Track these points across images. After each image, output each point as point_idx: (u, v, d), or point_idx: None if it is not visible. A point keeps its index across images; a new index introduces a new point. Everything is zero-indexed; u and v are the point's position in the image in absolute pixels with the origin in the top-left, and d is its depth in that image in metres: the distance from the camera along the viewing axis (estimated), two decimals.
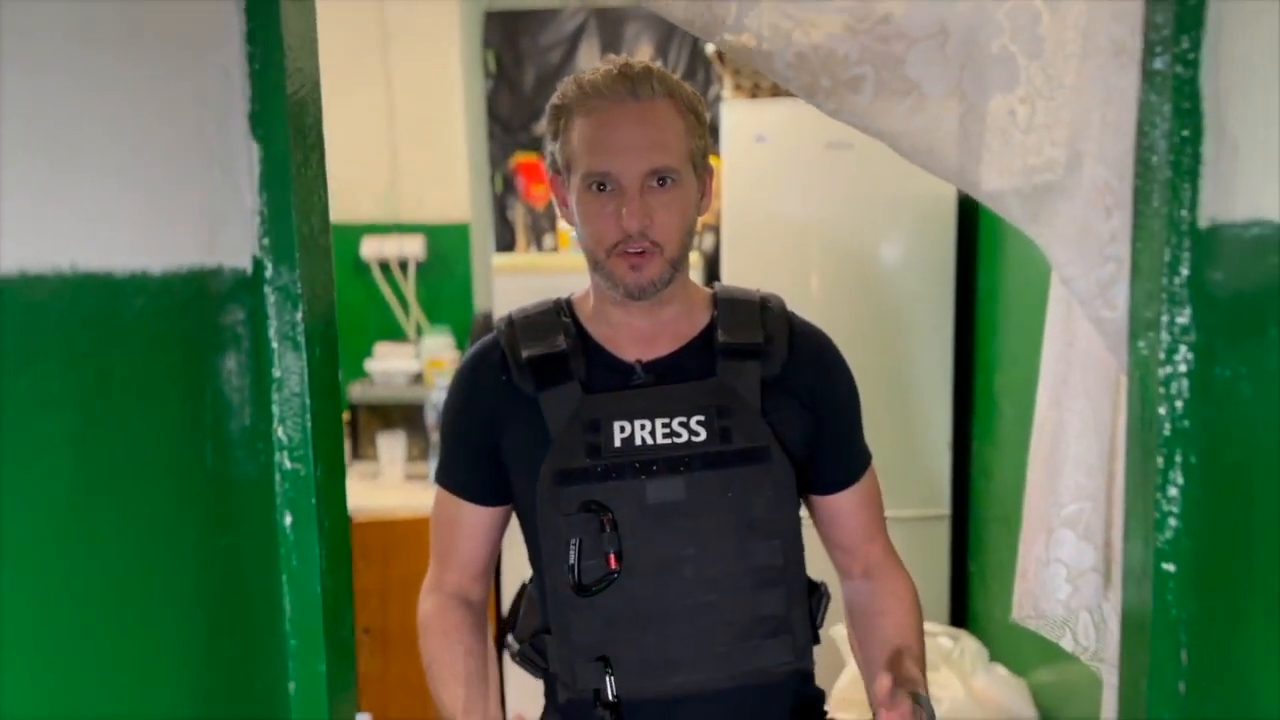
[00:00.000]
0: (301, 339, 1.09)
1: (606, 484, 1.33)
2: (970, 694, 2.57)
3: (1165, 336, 1.01)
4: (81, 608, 0.83)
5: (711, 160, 1.44)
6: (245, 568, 1.07)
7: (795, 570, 1.39)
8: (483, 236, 4.35)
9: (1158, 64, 0.99)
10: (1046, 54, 1.00)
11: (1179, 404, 1.01)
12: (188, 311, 0.97)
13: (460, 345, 4.05)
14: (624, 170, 1.32)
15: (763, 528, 1.36)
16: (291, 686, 1.12)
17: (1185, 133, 0.98)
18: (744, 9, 1.05)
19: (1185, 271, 0.99)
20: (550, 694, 1.48)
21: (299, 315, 1.09)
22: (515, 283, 3.50)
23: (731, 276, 3.33)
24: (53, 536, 0.80)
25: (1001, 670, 2.97)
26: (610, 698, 1.34)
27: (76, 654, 0.83)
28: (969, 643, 2.82)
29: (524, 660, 1.46)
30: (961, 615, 3.51)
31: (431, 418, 3.68)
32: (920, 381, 3.38)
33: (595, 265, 1.39)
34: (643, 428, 1.35)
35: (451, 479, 1.50)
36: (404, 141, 4.00)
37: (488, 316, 4.00)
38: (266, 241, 1.07)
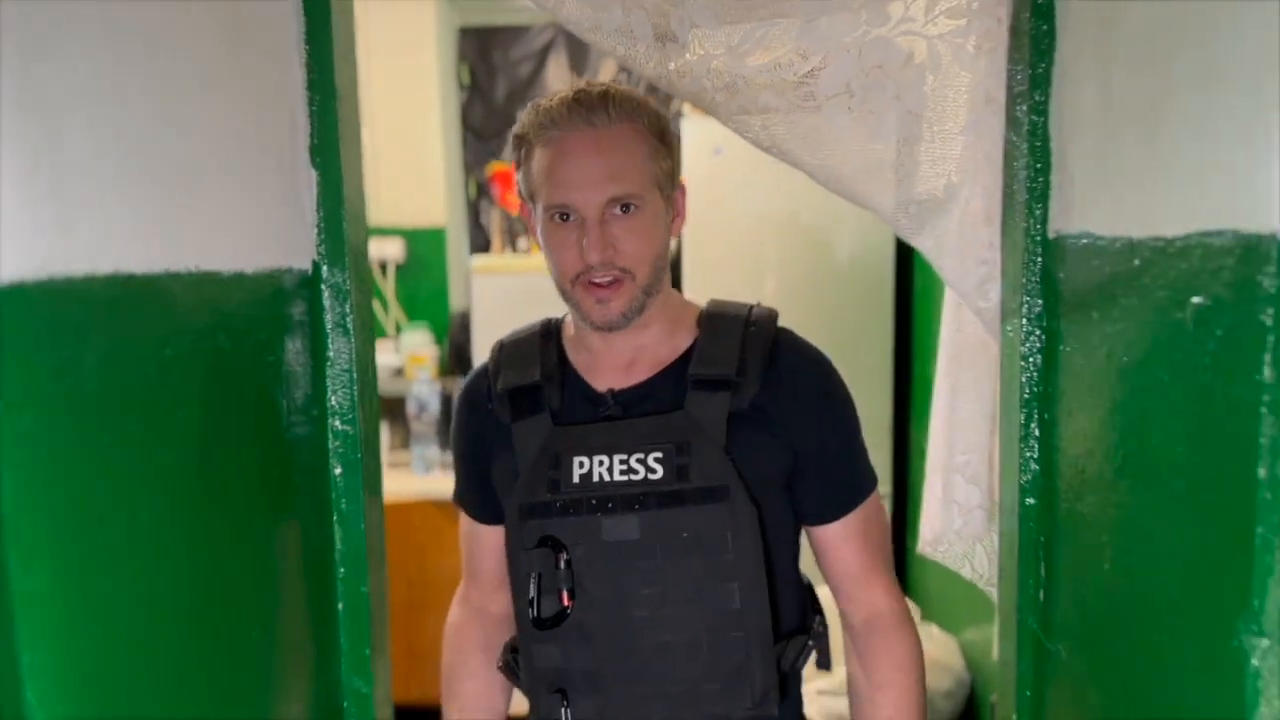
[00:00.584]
0: (350, 326, 1.36)
1: (565, 519, 1.31)
2: None
3: (1025, 322, 1.31)
4: (213, 528, 1.10)
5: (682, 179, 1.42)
6: (303, 507, 1.33)
7: (755, 614, 1.32)
8: (458, 239, 4.60)
9: (1018, 113, 1.29)
10: (930, 107, 1.29)
11: (1035, 373, 1.31)
12: (268, 303, 1.24)
13: (439, 341, 4.30)
14: (583, 201, 1.29)
15: (721, 569, 1.30)
16: (340, 606, 1.39)
17: (1038, 165, 1.28)
18: (684, 68, 1.33)
19: (1038, 272, 1.29)
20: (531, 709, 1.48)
21: (347, 308, 1.36)
22: (492, 282, 3.77)
23: (692, 279, 3.61)
24: (191, 471, 1.06)
25: (935, 629, 3.29)
26: None
27: (211, 563, 1.09)
28: (908, 604, 3.14)
29: (507, 671, 1.50)
30: (901, 581, 3.81)
31: (413, 408, 3.93)
32: (865, 371, 3.68)
33: (564, 296, 1.36)
34: (600, 463, 1.31)
35: (461, 499, 1.54)
36: (383, 150, 4.24)
37: (464, 315, 4.25)
38: (323, 249, 1.34)
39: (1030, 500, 1.33)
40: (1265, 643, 0.92)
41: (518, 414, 1.38)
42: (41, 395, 0.84)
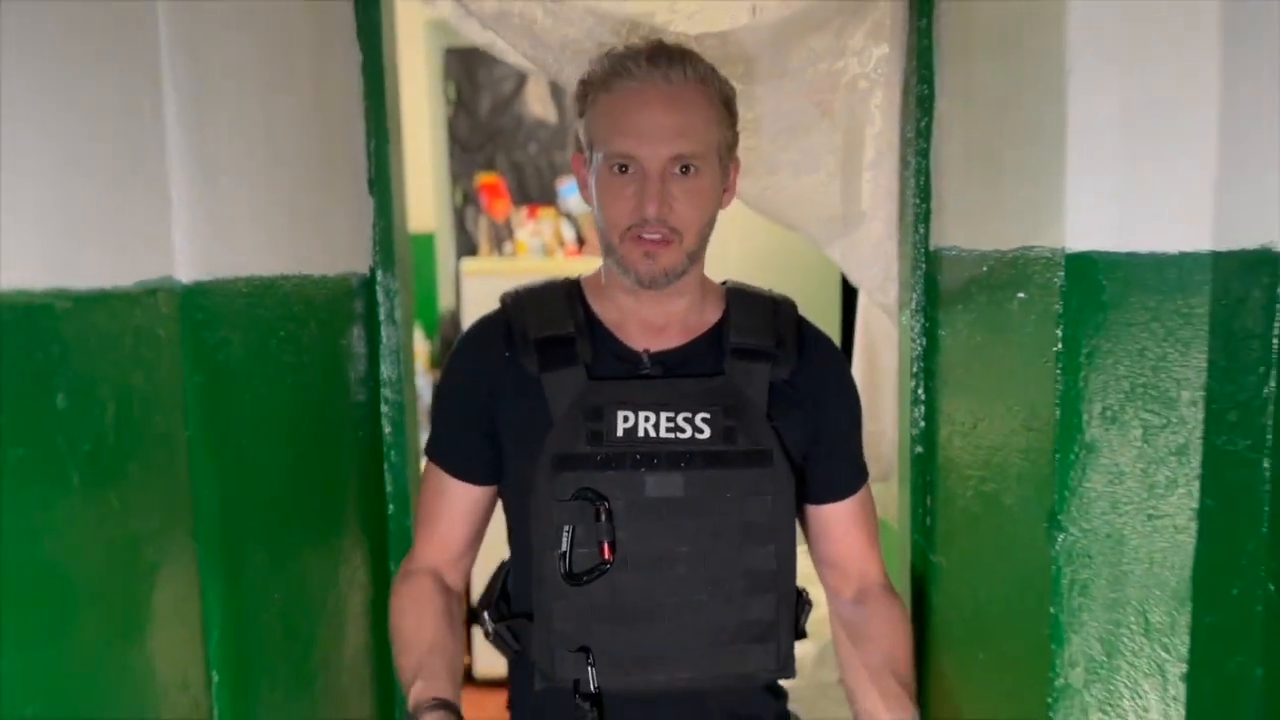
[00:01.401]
0: (396, 318, 1.74)
1: (605, 473, 1.26)
2: None
3: (914, 313, 1.71)
4: (307, 469, 1.47)
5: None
6: (361, 456, 1.70)
7: (787, 577, 1.33)
8: (446, 244, 4.96)
9: (908, 157, 1.69)
10: (845, 152, 1.69)
11: (921, 351, 1.71)
12: (340, 299, 1.61)
13: (429, 337, 4.65)
14: (648, 153, 1.24)
15: (759, 532, 1.30)
16: (389, 535, 1.77)
17: (922, 197, 1.68)
18: None
19: (923, 276, 1.69)
20: (519, 680, 1.40)
21: (395, 303, 1.73)
22: (481, 282, 4.14)
23: None
24: (292, 423, 1.43)
25: None
26: (590, 689, 1.28)
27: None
28: None
29: (498, 640, 1.38)
30: None
31: None
32: None
33: (609, 249, 1.31)
34: (647, 419, 1.27)
35: (441, 453, 1.40)
36: None
37: (454, 314, 4.61)
38: (377, 258, 1.71)
39: (919, 449, 1.73)
40: (1062, 536, 1.33)
41: (548, 364, 1.30)
42: (215, 366, 1.21)
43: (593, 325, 1.36)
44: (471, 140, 5.37)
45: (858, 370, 1.97)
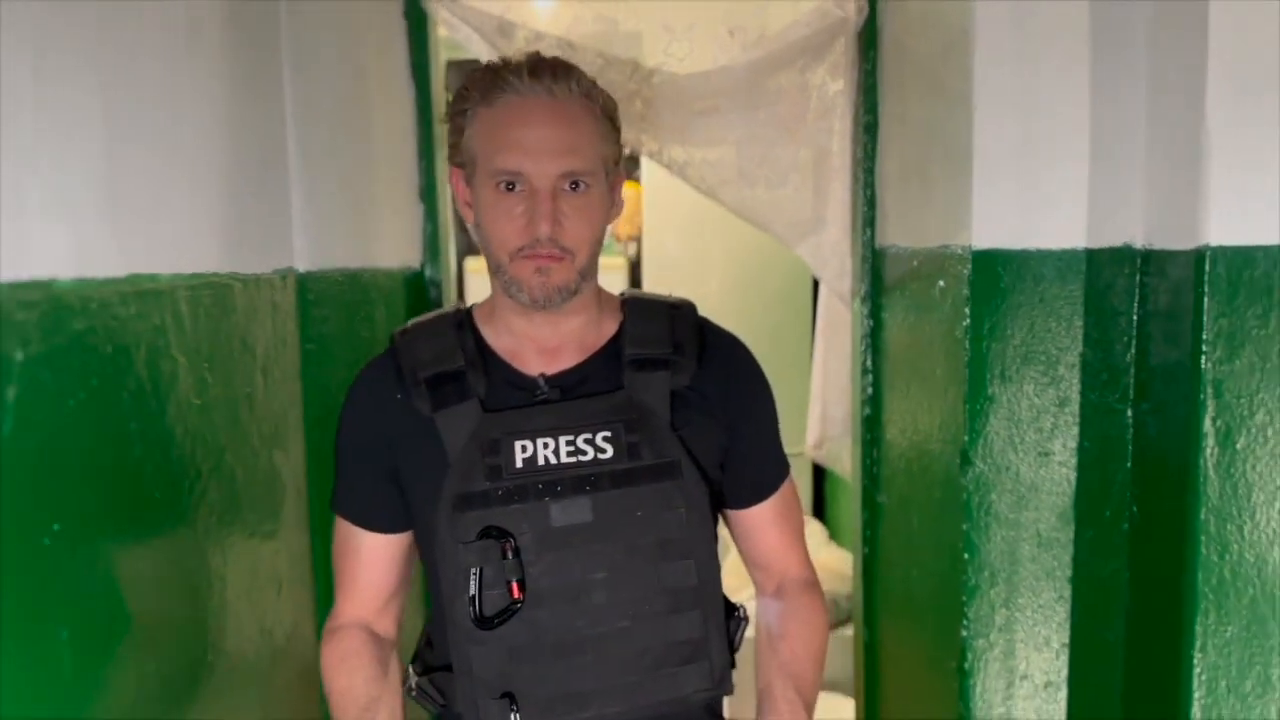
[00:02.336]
0: (442, 304, 2.08)
1: (509, 508, 1.19)
2: (816, 562, 3.68)
3: (863, 300, 2.07)
4: None
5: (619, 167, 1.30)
6: None
7: (711, 591, 1.27)
8: (448, 245, 5.30)
9: (858, 172, 2.05)
10: (810, 169, 2.05)
11: (868, 332, 2.07)
12: (398, 289, 1.96)
13: None
14: (537, 170, 1.16)
15: (676, 547, 1.23)
16: None
17: (869, 205, 2.04)
18: (662, 146, 2.07)
19: (870, 270, 2.05)
20: None
21: (439, 292, 2.08)
22: (482, 280, 4.46)
23: (650, 278, 4.33)
24: None
25: (837, 549, 4.08)
26: None
27: None
28: (816, 526, 3.91)
29: (421, 695, 1.32)
30: (819, 515, 4.58)
31: None
32: (787, 352, 4.43)
33: (497, 269, 1.23)
34: (545, 446, 1.21)
35: (348, 506, 1.31)
36: None
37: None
38: (426, 254, 2.06)
39: (867, 410, 2.09)
40: (971, 470, 1.68)
41: (440, 403, 1.22)
42: (319, 336, 1.55)
43: (485, 355, 1.27)
44: None
45: (819, 346, 2.33)
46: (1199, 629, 1.49)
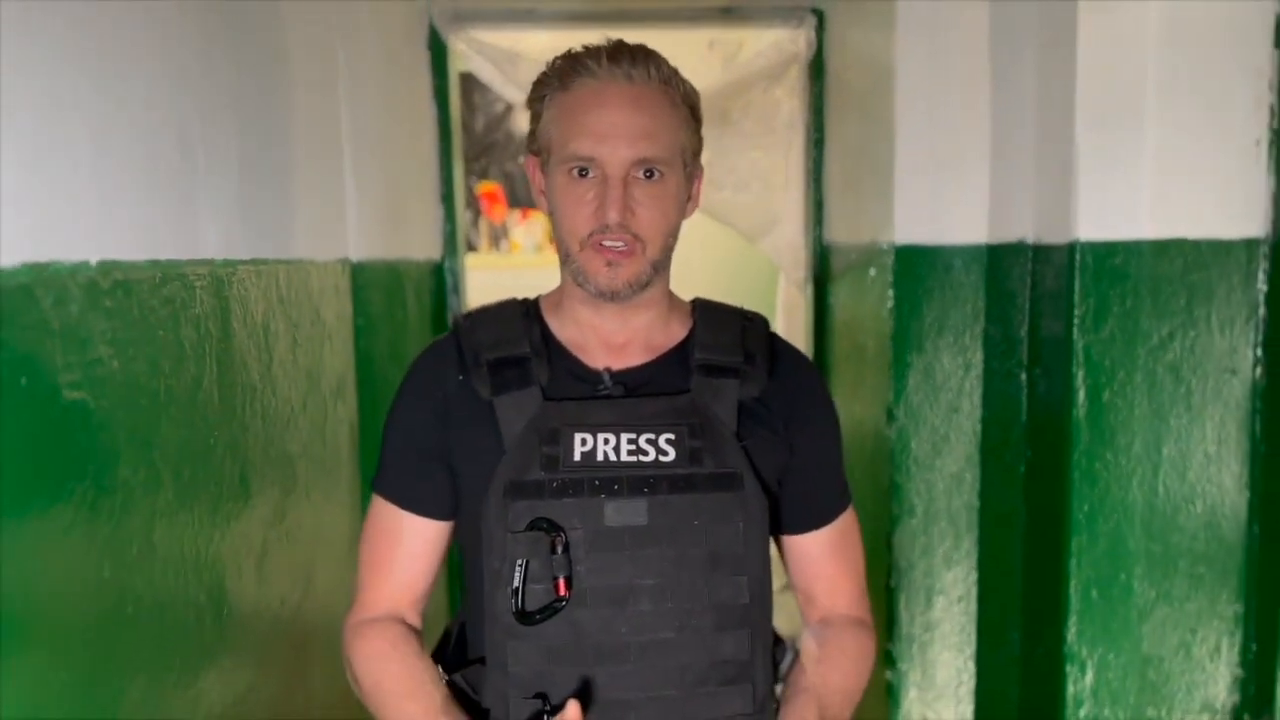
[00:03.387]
0: (457, 290, 2.43)
1: (562, 501, 1.13)
2: None
3: (812, 288, 2.43)
4: None
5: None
6: None
7: (761, 612, 1.19)
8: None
9: (809, 181, 2.41)
10: (769, 178, 2.41)
11: (817, 314, 2.43)
12: (425, 277, 2.31)
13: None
14: (610, 156, 1.12)
15: (730, 562, 1.16)
16: None
17: (818, 208, 2.40)
18: None
19: (818, 262, 2.41)
20: None
21: (456, 281, 2.43)
22: (482, 275, 4.85)
23: None
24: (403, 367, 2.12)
25: None
26: None
27: None
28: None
29: (452, 690, 1.22)
30: None
31: None
32: None
33: (567, 258, 1.18)
34: (606, 441, 1.14)
35: (395, 488, 1.24)
36: None
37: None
38: (444, 248, 2.41)
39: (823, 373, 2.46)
40: (896, 425, 2.04)
41: (500, 387, 1.18)
42: (367, 314, 1.90)
43: (550, 345, 1.22)
44: (469, 153, 6.07)
45: (780, 325, 2.69)
46: (1074, 546, 1.84)
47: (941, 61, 1.95)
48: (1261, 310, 1.77)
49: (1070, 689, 1.82)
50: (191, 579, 1.19)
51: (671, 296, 1.26)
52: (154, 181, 1.11)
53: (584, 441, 1.14)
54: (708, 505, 1.14)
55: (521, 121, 6.03)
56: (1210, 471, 1.80)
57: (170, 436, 1.14)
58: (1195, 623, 1.82)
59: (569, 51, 1.16)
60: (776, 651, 1.26)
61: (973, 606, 2.11)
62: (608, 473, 1.13)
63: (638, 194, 1.13)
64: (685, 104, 1.17)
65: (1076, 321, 1.81)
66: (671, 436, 1.15)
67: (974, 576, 2.09)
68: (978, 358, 2.04)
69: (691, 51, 2.44)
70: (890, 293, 2.02)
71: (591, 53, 1.15)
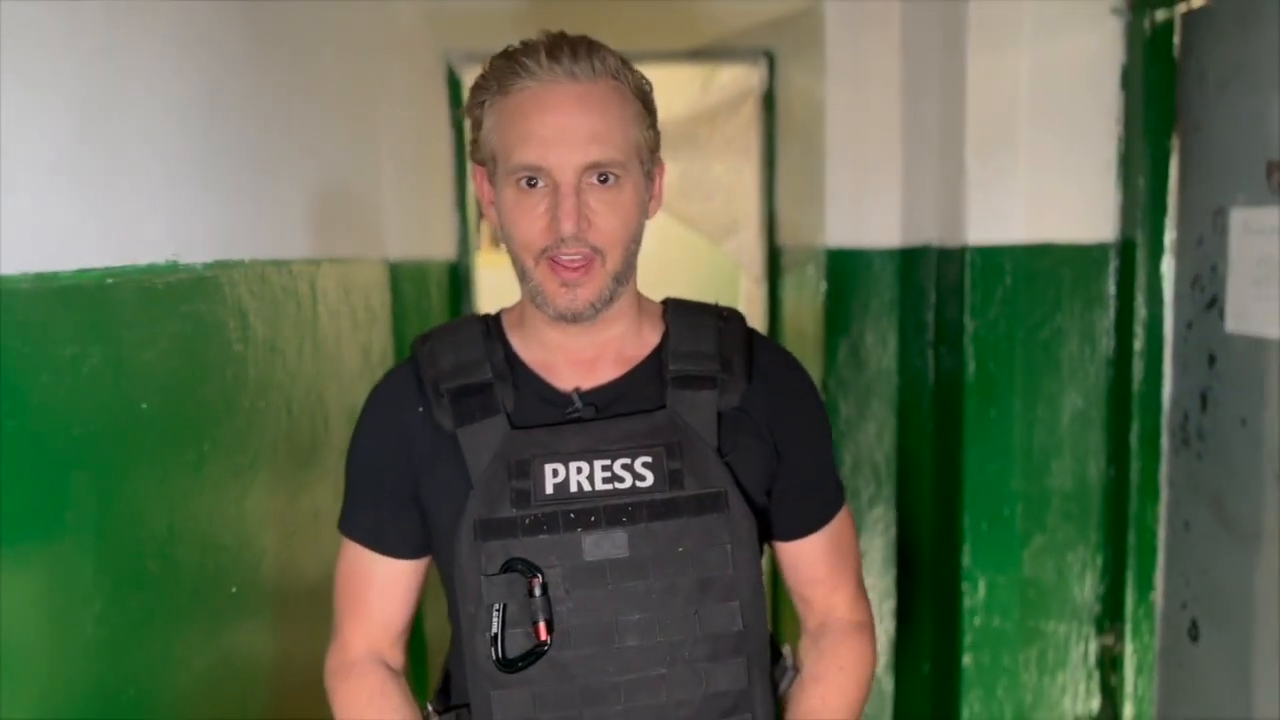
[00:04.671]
0: (472, 285, 2.87)
1: (536, 538, 1.05)
2: None
3: (766, 281, 2.87)
4: None
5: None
6: None
7: (757, 636, 1.11)
8: None
9: (763, 194, 2.84)
10: (732, 189, 2.85)
11: (771, 304, 2.87)
12: (442, 275, 2.74)
13: None
14: (559, 162, 1.01)
15: (719, 587, 1.08)
16: None
17: (770, 216, 2.84)
18: None
19: (771, 262, 2.85)
20: None
21: (470, 279, 2.87)
22: (486, 274, 5.26)
23: None
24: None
25: None
26: None
27: None
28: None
29: None
30: None
31: None
32: None
33: (523, 275, 1.08)
34: (579, 470, 1.06)
35: (361, 528, 1.17)
36: None
37: None
38: (460, 250, 2.85)
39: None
40: (827, 396, 2.48)
41: (464, 418, 1.08)
42: (402, 303, 2.34)
43: (515, 367, 1.13)
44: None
45: None
46: (969, 488, 2.22)
47: (862, 99, 2.39)
48: (1113, 299, 2.17)
49: (967, 603, 2.17)
50: (312, 510, 1.62)
51: (641, 301, 1.18)
52: (265, 199, 1.55)
53: (555, 472, 1.06)
54: (692, 530, 1.07)
55: None
56: (1074, 427, 2.14)
57: (293, 386, 1.57)
58: (1065, 548, 2.16)
59: (506, 50, 1.06)
60: (775, 672, 1.21)
61: (892, 538, 2.54)
62: (583, 504, 1.06)
63: (593, 202, 1.04)
64: (637, 97, 1.08)
65: (969, 309, 2.18)
66: (649, 459, 1.07)
67: (893, 514, 2.53)
68: (893, 338, 2.47)
69: (675, 75, 2.87)
70: (823, 286, 2.46)
71: (529, 50, 1.04)
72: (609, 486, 1.06)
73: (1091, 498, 2.16)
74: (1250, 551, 1.80)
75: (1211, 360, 1.90)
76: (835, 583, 1.23)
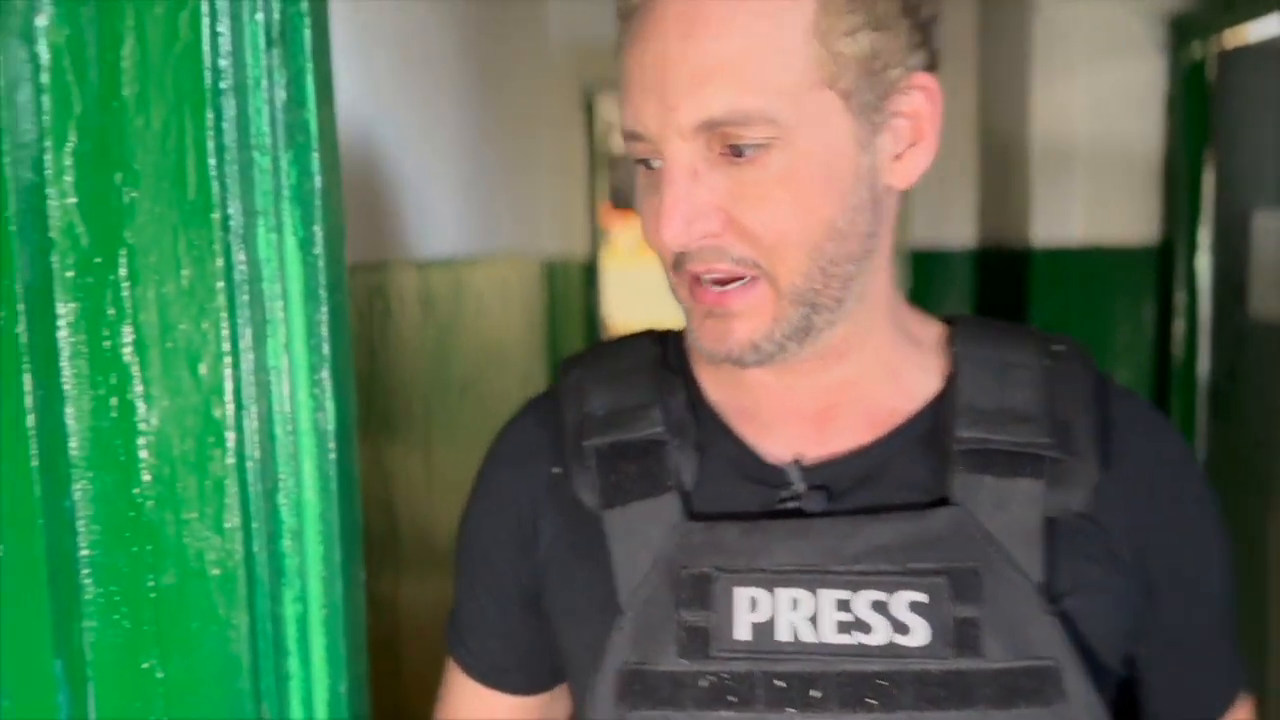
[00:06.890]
0: (598, 285, 3.29)
1: (718, 715, 0.62)
2: None
3: None
4: None
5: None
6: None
7: None
8: None
9: None
10: None
11: None
12: (579, 271, 3.17)
13: None
14: (657, 128, 0.60)
15: None
16: None
17: None
18: None
19: None
20: None
21: (596, 276, 3.29)
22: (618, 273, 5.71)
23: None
24: None
25: None
26: None
27: None
28: None
29: None
30: None
31: None
32: None
33: (672, 292, 0.67)
34: (795, 604, 0.62)
35: (469, 651, 0.77)
36: None
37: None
38: (593, 250, 3.28)
39: None
40: None
41: (615, 494, 0.67)
42: (553, 291, 2.77)
43: (701, 416, 0.69)
44: None
45: None
46: None
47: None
48: (1155, 291, 2.51)
49: None
50: None
51: (907, 321, 0.69)
52: (477, 207, 1.99)
53: (754, 603, 0.63)
54: None
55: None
56: None
57: (516, 354, 2.02)
58: None
59: None
60: None
61: None
62: (799, 664, 0.62)
63: (722, 187, 0.60)
64: None
65: (1030, 303, 2.58)
66: (920, 597, 0.61)
67: None
68: None
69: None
70: (908, 285, 2.82)
71: None
72: (847, 639, 0.62)
73: None
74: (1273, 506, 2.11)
75: (1238, 342, 2.23)
76: None
